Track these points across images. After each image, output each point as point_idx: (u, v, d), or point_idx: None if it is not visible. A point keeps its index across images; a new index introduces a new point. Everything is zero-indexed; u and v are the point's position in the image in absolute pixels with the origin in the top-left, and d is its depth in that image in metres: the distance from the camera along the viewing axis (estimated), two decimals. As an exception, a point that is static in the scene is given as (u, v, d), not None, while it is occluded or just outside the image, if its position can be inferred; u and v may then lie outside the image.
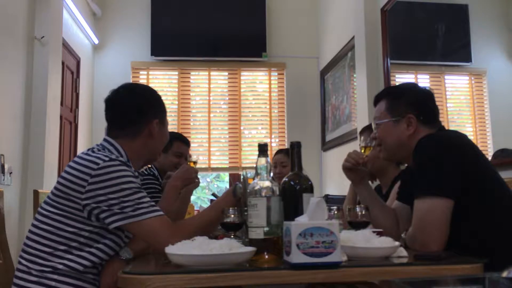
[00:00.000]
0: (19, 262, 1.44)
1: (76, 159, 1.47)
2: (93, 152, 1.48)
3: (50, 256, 1.40)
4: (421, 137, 1.54)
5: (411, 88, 1.72)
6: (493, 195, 1.45)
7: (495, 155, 2.60)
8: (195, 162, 2.18)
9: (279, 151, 3.54)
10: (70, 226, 1.40)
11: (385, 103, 1.67)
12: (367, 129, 2.26)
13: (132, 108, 1.59)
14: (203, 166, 5.14)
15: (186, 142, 2.77)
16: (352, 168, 1.77)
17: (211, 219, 1.54)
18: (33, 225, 1.46)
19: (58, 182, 1.45)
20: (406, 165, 1.86)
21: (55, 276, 1.38)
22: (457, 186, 1.41)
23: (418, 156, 1.50)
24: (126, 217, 1.36)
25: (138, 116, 1.59)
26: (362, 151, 1.82)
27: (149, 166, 2.82)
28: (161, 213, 1.41)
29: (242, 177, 1.68)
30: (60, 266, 1.38)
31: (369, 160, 2.16)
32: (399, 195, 1.78)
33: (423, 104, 1.63)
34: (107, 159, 1.41)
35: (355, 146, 4.02)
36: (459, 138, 1.55)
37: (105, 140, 1.57)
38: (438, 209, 1.39)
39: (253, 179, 1.71)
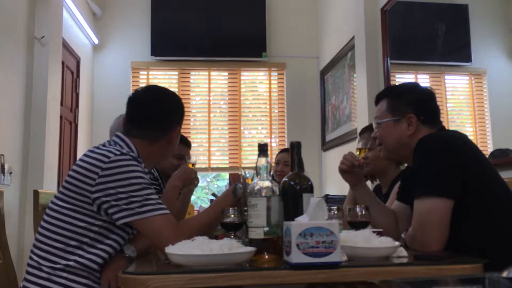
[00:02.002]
0: (30, 258, 1.45)
1: (86, 153, 1.48)
2: (104, 146, 1.49)
3: (61, 252, 1.40)
4: (421, 137, 1.54)
5: (412, 87, 1.72)
6: (493, 195, 1.45)
7: (494, 155, 2.60)
8: (193, 164, 2.18)
9: (284, 150, 3.58)
10: (80, 220, 1.41)
11: (386, 103, 1.68)
12: (366, 130, 2.26)
13: (160, 112, 1.59)
14: (203, 166, 5.15)
15: (187, 144, 2.76)
16: (348, 170, 1.77)
17: (212, 220, 1.54)
18: (44, 220, 1.46)
19: (68, 175, 1.45)
20: (406, 165, 1.86)
21: (65, 274, 1.39)
22: (457, 186, 1.41)
23: (418, 156, 1.50)
24: (133, 213, 1.37)
25: (164, 121, 1.58)
26: (357, 153, 1.83)
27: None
28: (167, 211, 1.41)
29: (242, 177, 1.68)
30: (72, 263, 1.39)
31: (371, 161, 2.17)
32: (399, 195, 1.78)
33: (423, 104, 1.63)
34: (118, 153, 1.42)
35: (355, 146, 4.01)
36: (459, 138, 1.55)
37: (116, 136, 1.57)
38: (438, 209, 1.39)
39: (252, 179, 1.72)
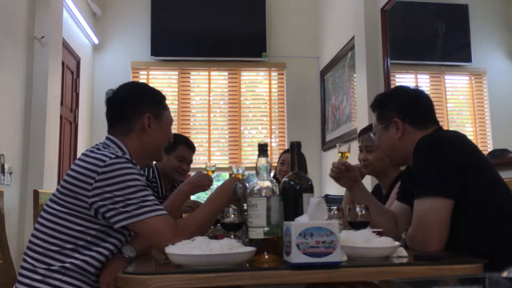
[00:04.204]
0: (24, 260, 1.43)
1: (81, 157, 1.47)
2: (98, 149, 1.49)
3: (57, 255, 1.40)
4: (411, 138, 1.55)
5: (396, 92, 1.77)
6: (493, 195, 1.46)
7: (493, 154, 2.60)
8: (213, 171, 2.16)
9: (288, 150, 3.57)
10: (77, 224, 1.40)
11: (376, 113, 1.74)
12: (366, 131, 2.28)
13: (122, 103, 1.60)
14: (203, 166, 5.13)
15: (191, 147, 2.75)
16: (339, 176, 1.82)
17: (209, 218, 1.53)
18: (39, 223, 1.45)
19: (64, 180, 1.45)
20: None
21: (60, 276, 1.38)
22: (457, 186, 1.41)
23: (417, 156, 1.51)
24: (130, 216, 1.36)
25: (128, 110, 1.58)
26: (339, 156, 1.85)
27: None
28: (165, 212, 1.41)
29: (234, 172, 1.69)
30: (68, 265, 1.38)
31: (371, 163, 2.19)
32: (399, 195, 1.79)
33: (407, 106, 1.65)
34: (113, 156, 1.42)
35: (355, 146, 4.00)
36: (458, 138, 1.55)
37: (107, 138, 1.58)
38: (437, 209, 1.39)
39: (243, 175, 1.73)
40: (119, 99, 1.61)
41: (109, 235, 1.44)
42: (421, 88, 1.78)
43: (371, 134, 1.79)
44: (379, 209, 1.75)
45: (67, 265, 1.38)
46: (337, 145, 1.90)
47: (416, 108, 1.66)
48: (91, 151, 1.48)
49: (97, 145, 1.55)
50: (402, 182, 1.82)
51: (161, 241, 1.32)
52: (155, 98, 1.66)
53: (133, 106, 1.59)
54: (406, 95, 1.71)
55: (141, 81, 5.18)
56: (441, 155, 1.44)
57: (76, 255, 1.40)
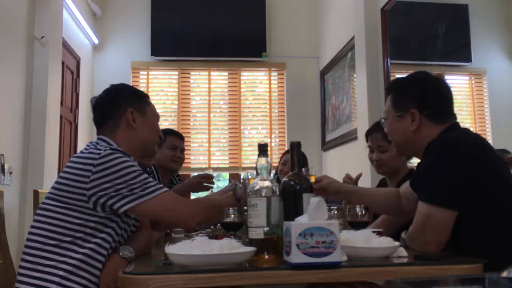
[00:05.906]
0: (23, 259, 1.43)
1: (76, 154, 1.51)
2: (90, 146, 1.53)
3: (55, 248, 1.40)
4: (427, 133, 1.50)
5: (417, 80, 1.64)
6: (494, 195, 1.43)
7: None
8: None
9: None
10: (76, 218, 1.41)
11: (391, 98, 1.63)
12: (374, 130, 2.24)
13: (104, 105, 1.66)
14: (203, 166, 5.14)
15: (179, 135, 2.85)
16: (325, 194, 1.74)
17: (216, 206, 1.58)
18: (36, 220, 1.46)
19: (60, 177, 1.47)
20: (415, 164, 1.81)
21: (61, 272, 1.37)
22: (464, 196, 1.37)
23: (427, 158, 1.46)
24: (137, 197, 1.40)
25: (111, 110, 1.63)
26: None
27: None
28: (168, 189, 1.48)
29: (242, 179, 1.69)
30: (67, 260, 1.38)
31: (384, 162, 2.18)
32: (411, 181, 1.71)
33: (427, 98, 1.56)
34: (107, 148, 1.46)
35: (355, 146, 4.01)
36: (472, 142, 1.48)
37: (98, 138, 1.62)
38: (440, 218, 1.36)
39: (254, 179, 1.72)
40: (101, 102, 1.67)
41: (106, 225, 1.45)
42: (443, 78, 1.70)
43: (382, 120, 1.69)
44: (377, 193, 1.72)
45: (66, 259, 1.38)
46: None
47: (437, 101, 1.56)
48: (85, 149, 1.53)
49: (90, 143, 1.58)
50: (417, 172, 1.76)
51: (175, 214, 1.43)
52: (135, 94, 1.71)
53: (115, 104, 1.64)
54: (428, 86, 1.59)
55: (141, 81, 5.20)
56: (450, 162, 1.39)
57: (75, 247, 1.40)
